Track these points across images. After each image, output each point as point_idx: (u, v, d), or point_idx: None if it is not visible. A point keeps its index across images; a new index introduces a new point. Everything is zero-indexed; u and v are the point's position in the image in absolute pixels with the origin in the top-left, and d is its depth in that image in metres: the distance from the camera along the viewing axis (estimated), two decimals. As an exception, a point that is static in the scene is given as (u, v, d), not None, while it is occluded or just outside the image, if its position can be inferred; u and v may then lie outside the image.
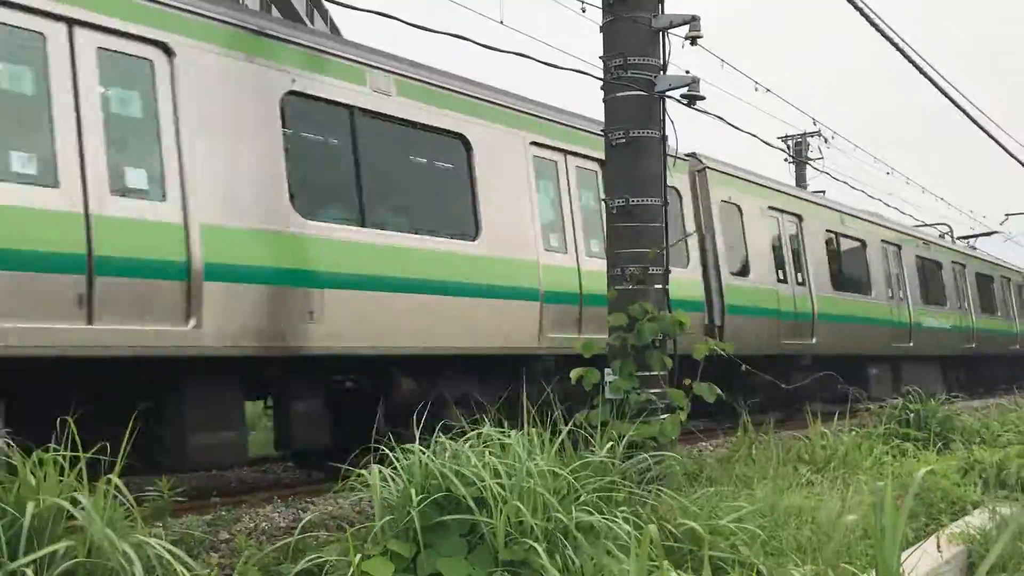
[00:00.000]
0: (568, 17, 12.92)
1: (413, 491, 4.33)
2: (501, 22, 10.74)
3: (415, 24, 6.54)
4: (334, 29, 36.82)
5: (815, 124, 31.48)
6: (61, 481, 3.81)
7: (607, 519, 4.59)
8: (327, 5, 33.72)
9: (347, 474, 4.83)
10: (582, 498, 4.79)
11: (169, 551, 3.72)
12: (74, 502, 3.70)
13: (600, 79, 7.74)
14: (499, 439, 4.90)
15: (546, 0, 10.59)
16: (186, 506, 6.81)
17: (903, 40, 11.67)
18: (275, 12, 32.10)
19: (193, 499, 7.43)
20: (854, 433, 9.06)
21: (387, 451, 4.79)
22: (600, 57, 7.71)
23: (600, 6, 7.65)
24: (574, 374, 7.07)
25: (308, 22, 34.13)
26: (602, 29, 7.71)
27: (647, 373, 7.06)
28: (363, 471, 4.67)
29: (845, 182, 51.26)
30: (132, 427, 4.30)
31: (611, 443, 5.65)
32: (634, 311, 7.09)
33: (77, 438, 4.06)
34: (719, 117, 9.38)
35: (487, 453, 4.79)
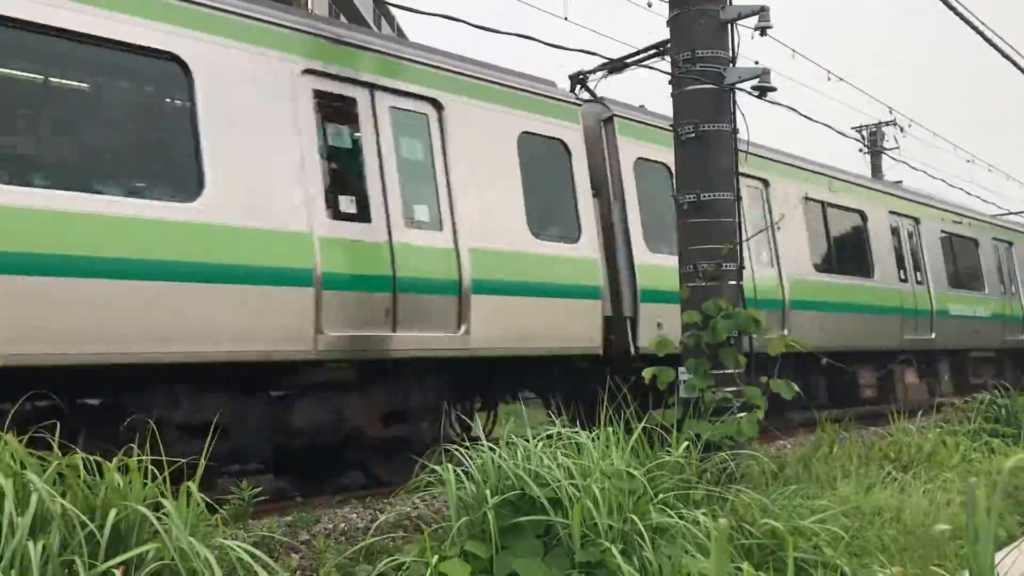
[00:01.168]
0: (634, 12, 12.83)
1: (488, 492, 4.33)
2: (565, 18, 10.70)
3: (480, 26, 6.56)
4: (400, 34, 37.19)
5: (891, 113, 30.69)
6: (147, 485, 3.91)
7: (684, 519, 4.53)
8: (393, 11, 34.10)
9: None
10: (658, 498, 4.73)
11: (250, 553, 3.77)
12: (160, 506, 3.78)
13: (668, 73, 7.65)
14: (572, 439, 4.88)
15: (611, -4, 10.53)
16: (268, 507, 6.93)
17: (983, 23, 11.28)
18: (342, 18, 32.56)
19: (275, 500, 7.57)
20: (939, 430, 8.79)
21: (458, 451, 4.81)
22: (668, 51, 7.62)
23: (667, 0, 7.56)
24: (647, 373, 6.99)
25: (375, 27, 34.55)
26: (669, 23, 7.62)
27: (722, 371, 6.95)
28: (437, 468, 4.70)
29: (923, 171, 49.88)
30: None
31: (687, 442, 5.57)
32: (708, 308, 6.99)
33: (160, 443, 4.17)
34: (791, 108, 9.19)
35: (559, 453, 4.77)
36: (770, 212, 12.48)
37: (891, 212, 15.33)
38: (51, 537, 3.37)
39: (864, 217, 14.57)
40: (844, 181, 14.47)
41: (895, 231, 15.36)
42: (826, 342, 12.19)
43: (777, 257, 12.36)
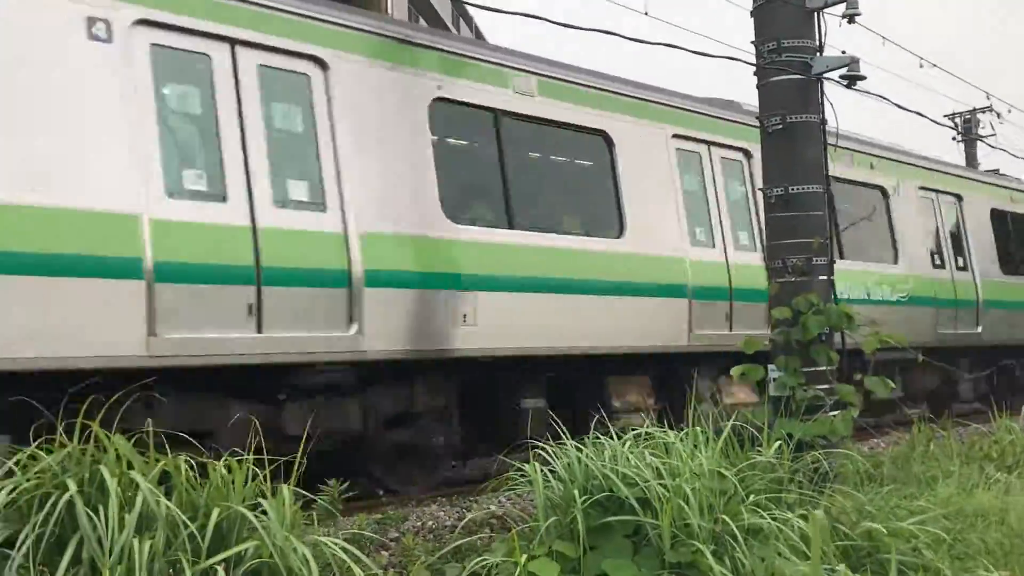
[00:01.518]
0: (714, 4, 12.63)
1: (576, 492, 4.31)
2: (646, 13, 10.59)
3: (562, 23, 6.53)
4: (478, 35, 37.34)
5: (988, 99, 29.49)
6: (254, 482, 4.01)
7: (777, 521, 4.44)
8: (472, 11, 34.30)
9: (500, 471, 4.89)
10: (750, 499, 4.65)
11: (344, 549, 3.84)
12: (257, 505, 3.88)
13: (752, 64, 7.51)
14: (661, 439, 4.82)
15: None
16: (358, 505, 7.04)
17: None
18: (421, 21, 32.88)
19: (364, 498, 7.68)
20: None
21: (544, 451, 4.80)
22: (752, 42, 7.47)
23: (751, -10, 7.42)
24: (735, 371, 6.88)
25: (454, 29, 34.79)
26: (753, 13, 7.47)
27: (813, 368, 6.79)
28: (524, 466, 4.70)
29: None
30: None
31: (779, 442, 5.46)
32: (798, 304, 6.84)
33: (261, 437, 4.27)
34: (881, 97, 8.92)
35: (647, 453, 4.72)
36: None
37: None
38: (156, 536, 3.48)
39: None
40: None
41: None
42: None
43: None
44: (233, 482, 3.97)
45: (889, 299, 12.13)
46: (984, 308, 13.82)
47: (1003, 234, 15.15)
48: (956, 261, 13.88)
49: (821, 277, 7.08)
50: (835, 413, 6.58)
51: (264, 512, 3.84)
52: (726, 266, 10.03)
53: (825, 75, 7.29)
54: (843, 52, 7.60)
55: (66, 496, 3.49)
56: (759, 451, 5.39)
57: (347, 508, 6.22)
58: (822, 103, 7.30)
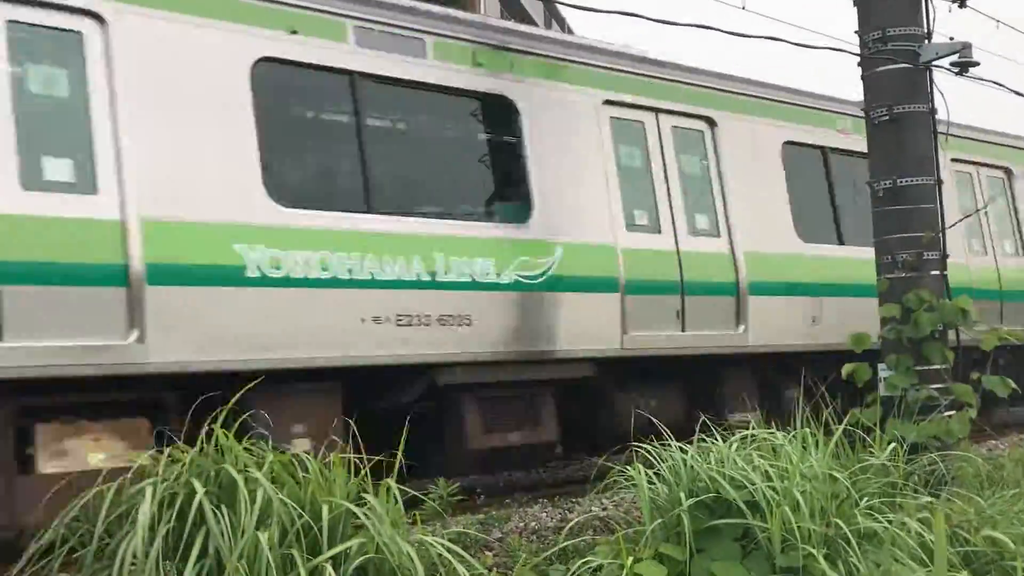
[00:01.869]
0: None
1: (682, 494, 4.25)
2: (743, 8, 10.40)
3: (658, 19, 6.45)
4: (569, 33, 37.22)
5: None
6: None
7: (893, 525, 4.29)
8: (564, 11, 34.24)
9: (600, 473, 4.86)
10: (863, 502, 4.50)
11: (449, 549, 3.87)
12: (361, 501, 3.94)
13: (856, 55, 7.29)
14: (768, 440, 4.72)
15: (790, -20, 10.15)
16: (460, 505, 7.09)
17: None
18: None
19: (466, 499, 7.74)
20: None
21: (648, 452, 4.75)
22: (855, 32, 7.26)
23: (851, -21, 7.20)
24: (845, 370, 6.69)
25: (545, 28, 34.77)
26: (856, 2, 7.25)
27: (926, 367, 6.54)
28: (627, 468, 4.66)
29: None
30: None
31: (892, 444, 5.27)
32: (909, 301, 6.60)
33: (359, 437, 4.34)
34: (997, 84, 8.52)
35: (755, 455, 4.62)
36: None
37: None
38: (272, 530, 3.58)
39: None
40: None
41: None
42: None
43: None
44: (336, 479, 4.05)
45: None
46: None
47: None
48: None
49: (933, 272, 6.83)
50: (950, 413, 6.33)
51: (369, 509, 3.90)
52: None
53: (935, 63, 7.03)
54: (951, 39, 7.33)
55: (198, 496, 3.62)
56: (871, 453, 5.22)
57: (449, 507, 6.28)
58: (931, 92, 7.04)
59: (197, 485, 3.69)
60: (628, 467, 4.64)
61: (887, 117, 6.97)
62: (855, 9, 7.25)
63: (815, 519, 4.20)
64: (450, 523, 5.75)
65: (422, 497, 4.84)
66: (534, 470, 9.95)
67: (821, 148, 10.19)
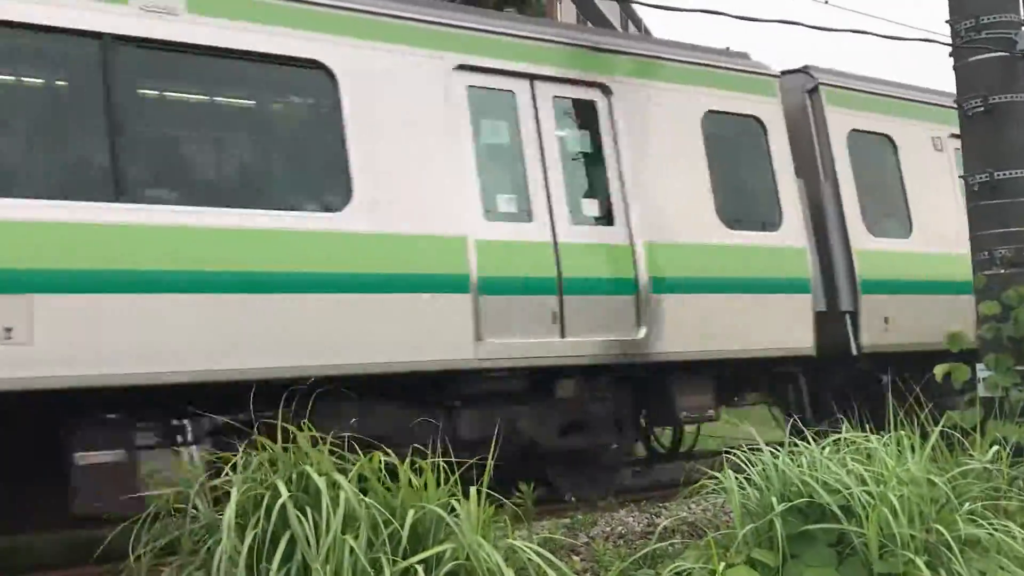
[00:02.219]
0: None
1: (774, 498, 4.17)
2: (826, 2, 10.17)
3: (740, 16, 6.35)
4: (647, 33, 36.97)
5: None
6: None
7: (998, 531, 4.13)
8: (641, 11, 34.00)
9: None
10: (964, 508, 4.34)
11: (538, 554, 3.86)
12: (450, 506, 3.96)
13: (949, 45, 7.05)
14: (863, 444, 4.59)
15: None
16: (545, 510, 7.08)
17: None
18: (589, 25, 32.89)
19: (550, 502, 7.73)
20: None
21: (739, 457, 4.67)
22: (947, 21, 7.03)
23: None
24: (939, 370, 6.47)
25: (622, 30, 34.57)
26: (947, -9, 7.04)
27: (1030, 367, 6.30)
28: (717, 474, 4.59)
29: None
30: None
31: (994, 446, 5.07)
32: (1009, 298, 6.36)
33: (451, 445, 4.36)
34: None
35: (849, 459, 4.51)
36: None
37: None
38: (358, 536, 3.62)
39: None
40: None
41: None
42: None
43: None
44: (425, 485, 4.07)
45: None
46: None
47: None
48: None
49: (1034, 268, 6.57)
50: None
51: (457, 515, 3.92)
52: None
53: (1033, 50, 6.76)
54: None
55: (281, 500, 3.67)
56: (970, 456, 5.04)
57: (538, 512, 6.28)
58: (1031, 80, 6.78)
59: (281, 487, 3.74)
60: (718, 473, 4.57)
61: (981, 108, 6.74)
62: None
63: (914, 524, 4.08)
64: (537, 527, 5.75)
65: (506, 502, 4.84)
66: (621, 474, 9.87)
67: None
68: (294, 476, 3.93)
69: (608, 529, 6.57)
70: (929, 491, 4.32)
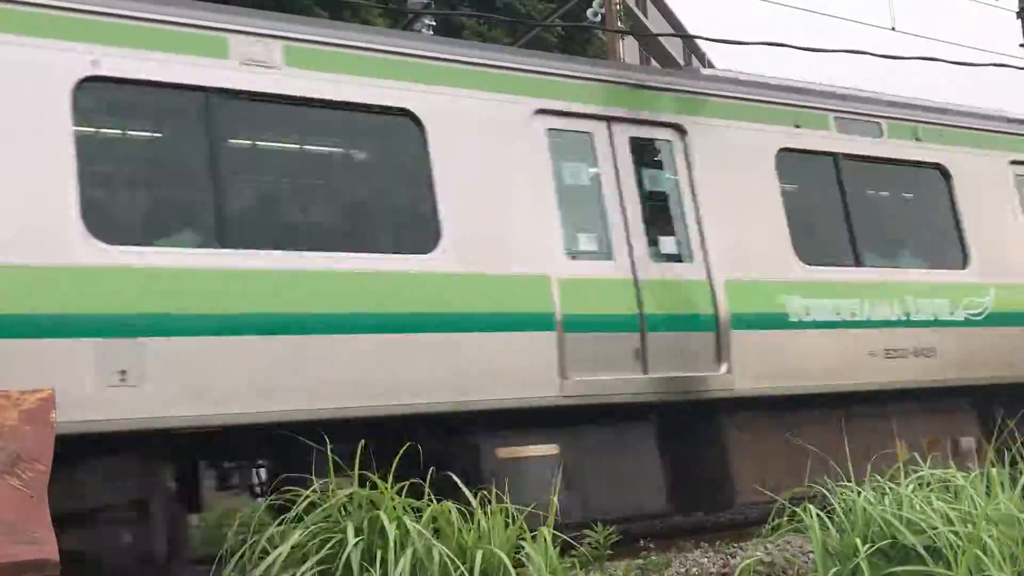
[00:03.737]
0: (967, 12, 11.75)
1: (857, 539, 4.03)
2: (892, 28, 10.05)
3: (804, 47, 6.30)
4: (710, 66, 36.83)
5: None
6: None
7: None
8: (704, 45, 34.04)
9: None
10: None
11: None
12: (520, 547, 3.92)
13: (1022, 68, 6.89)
14: (949, 481, 4.43)
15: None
16: (618, 551, 6.96)
17: None
18: (652, 62, 33.00)
19: (624, 544, 7.59)
20: None
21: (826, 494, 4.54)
22: (1021, 45, 6.88)
23: (1014, -10, 6.84)
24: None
25: (684, 63, 34.57)
26: (1020, 14, 6.89)
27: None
28: (798, 510, 4.47)
29: None
30: None
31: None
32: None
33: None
34: None
35: (934, 498, 4.34)
36: None
37: None
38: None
39: None
40: None
41: None
42: None
43: None
44: (494, 527, 4.03)
45: None
46: None
47: None
48: None
49: None
50: None
51: (527, 556, 3.87)
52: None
53: (1113, 71, 6.57)
54: None
55: (351, 544, 3.68)
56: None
57: (611, 554, 6.17)
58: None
59: (349, 534, 3.75)
60: (798, 510, 4.44)
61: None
62: (1019, 23, 6.88)
63: (1006, 566, 3.90)
64: (609, 568, 5.66)
65: (576, 544, 4.77)
66: (695, 513, 9.68)
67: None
68: (366, 521, 3.94)
69: (682, 570, 6.43)
70: (1020, 530, 4.14)
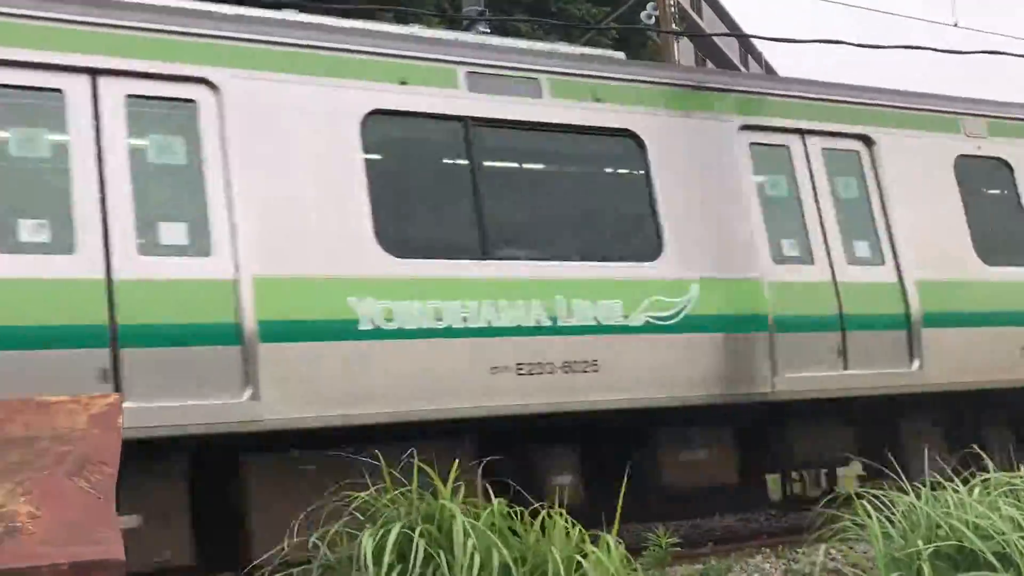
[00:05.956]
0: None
1: (920, 542, 3.96)
2: (955, 24, 9.87)
3: (861, 44, 6.23)
4: (768, 69, 36.53)
5: None
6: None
7: None
8: (760, 45, 33.72)
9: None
10: None
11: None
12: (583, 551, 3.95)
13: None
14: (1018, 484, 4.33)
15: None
16: (679, 555, 6.94)
17: None
18: (708, 63, 32.77)
19: (683, 547, 7.56)
20: None
21: (879, 498, 4.47)
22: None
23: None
24: None
25: (742, 67, 34.29)
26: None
27: None
28: (856, 516, 4.41)
29: None
30: None
31: None
32: None
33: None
34: None
35: (1001, 502, 4.25)
36: None
37: None
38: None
39: None
40: None
41: None
42: None
43: None
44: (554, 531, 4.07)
45: None
46: None
47: None
48: None
49: None
50: None
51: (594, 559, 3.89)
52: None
53: None
54: None
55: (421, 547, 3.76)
56: None
57: (672, 556, 6.16)
58: None
59: (417, 535, 3.82)
60: (854, 514, 4.39)
61: None
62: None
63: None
64: (669, 573, 5.65)
65: (637, 547, 4.77)
66: (754, 517, 9.60)
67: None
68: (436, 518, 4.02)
69: (743, 575, 6.39)
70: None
